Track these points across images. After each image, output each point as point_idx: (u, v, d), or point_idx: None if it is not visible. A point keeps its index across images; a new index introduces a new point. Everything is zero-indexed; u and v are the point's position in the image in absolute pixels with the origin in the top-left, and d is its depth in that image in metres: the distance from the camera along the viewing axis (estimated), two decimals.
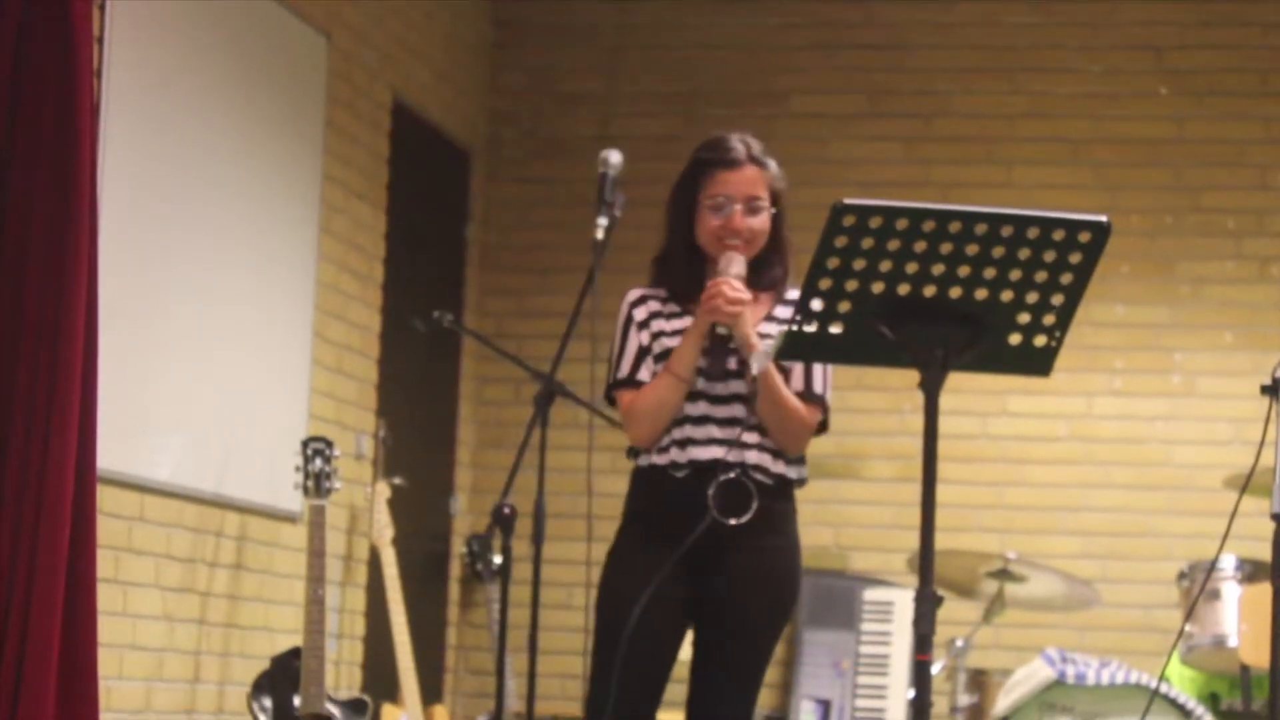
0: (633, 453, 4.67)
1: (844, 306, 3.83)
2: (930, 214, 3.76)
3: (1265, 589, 4.63)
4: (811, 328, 3.86)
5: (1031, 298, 3.83)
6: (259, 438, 6.89)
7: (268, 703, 6.36)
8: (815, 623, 8.38)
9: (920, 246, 3.76)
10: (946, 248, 3.76)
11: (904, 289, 3.80)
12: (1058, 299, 3.84)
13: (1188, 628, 7.04)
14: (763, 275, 4.63)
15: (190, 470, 6.46)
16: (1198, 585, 7.11)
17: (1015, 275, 3.80)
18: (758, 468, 4.58)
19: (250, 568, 6.87)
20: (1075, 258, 3.80)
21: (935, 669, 6.37)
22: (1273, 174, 8.62)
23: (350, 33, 7.61)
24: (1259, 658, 6.76)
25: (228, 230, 6.72)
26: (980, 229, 3.76)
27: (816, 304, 3.83)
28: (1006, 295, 3.82)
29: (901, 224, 3.74)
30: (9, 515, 5.27)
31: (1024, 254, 3.78)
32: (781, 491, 4.62)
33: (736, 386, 4.57)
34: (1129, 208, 8.54)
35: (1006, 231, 3.76)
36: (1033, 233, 3.77)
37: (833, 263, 3.78)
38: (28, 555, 5.26)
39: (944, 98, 8.81)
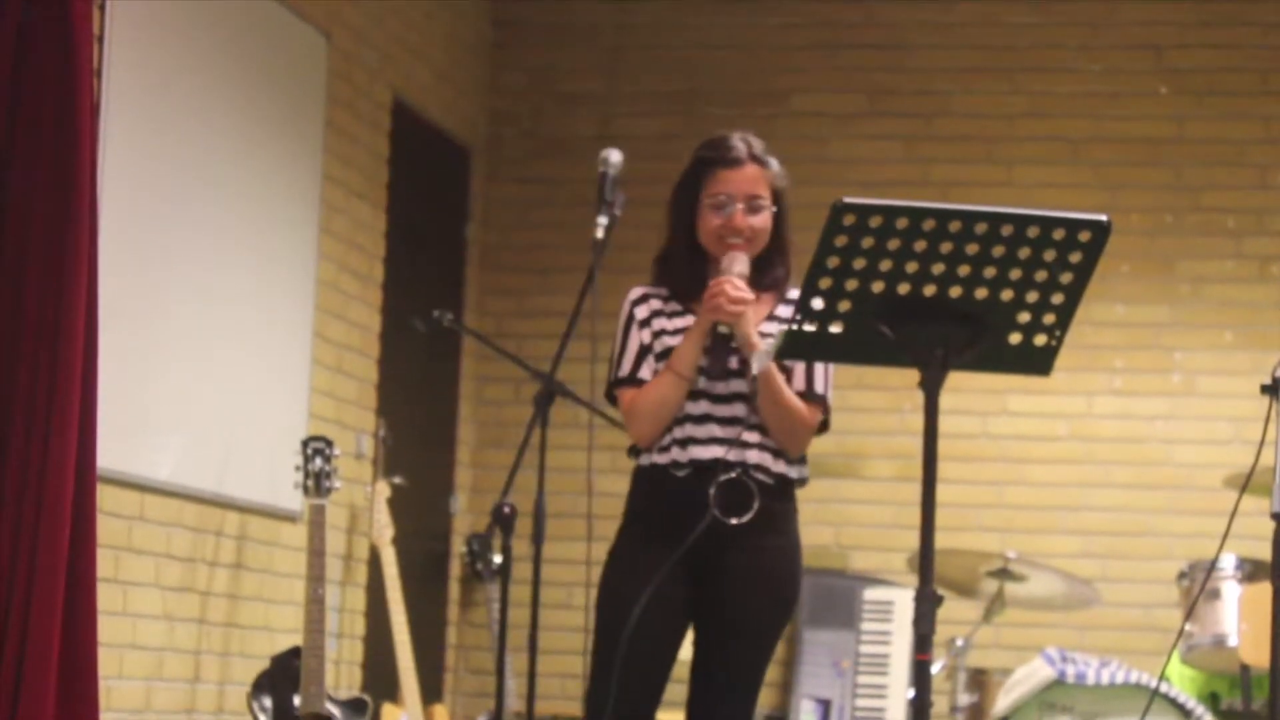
0: (634, 452, 4.67)
1: (844, 306, 3.83)
2: (930, 213, 3.76)
3: (1265, 588, 4.63)
4: (811, 327, 3.86)
5: (1031, 297, 3.83)
6: (259, 437, 6.89)
7: (268, 702, 6.35)
8: (815, 622, 8.38)
9: (920, 246, 3.76)
10: (947, 247, 3.76)
11: (904, 288, 3.80)
12: (1058, 298, 3.84)
13: (1188, 627, 7.04)
14: (765, 275, 4.63)
15: (190, 470, 6.46)
16: (1198, 585, 7.11)
17: (1015, 274, 3.80)
18: (759, 467, 4.58)
19: (250, 567, 6.87)
20: (1075, 257, 3.80)
21: (935, 668, 6.38)
22: (1273, 174, 8.62)
23: (350, 33, 7.61)
24: (1259, 657, 6.76)
25: (228, 230, 6.72)
26: (980, 228, 3.76)
27: (817, 303, 3.83)
28: (1006, 294, 3.82)
29: (902, 223, 3.74)
30: (9, 515, 5.27)
31: (1024, 253, 3.78)
32: (782, 491, 4.62)
33: (738, 386, 4.57)
34: (1129, 207, 8.54)
35: (1006, 231, 3.76)
36: (1033, 232, 3.77)
37: (833, 262, 3.78)
38: (28, 555, 5.26)
39: (944, 98, 8.81)
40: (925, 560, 3.80)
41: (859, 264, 3.78)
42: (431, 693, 8.15)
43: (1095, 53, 8.75)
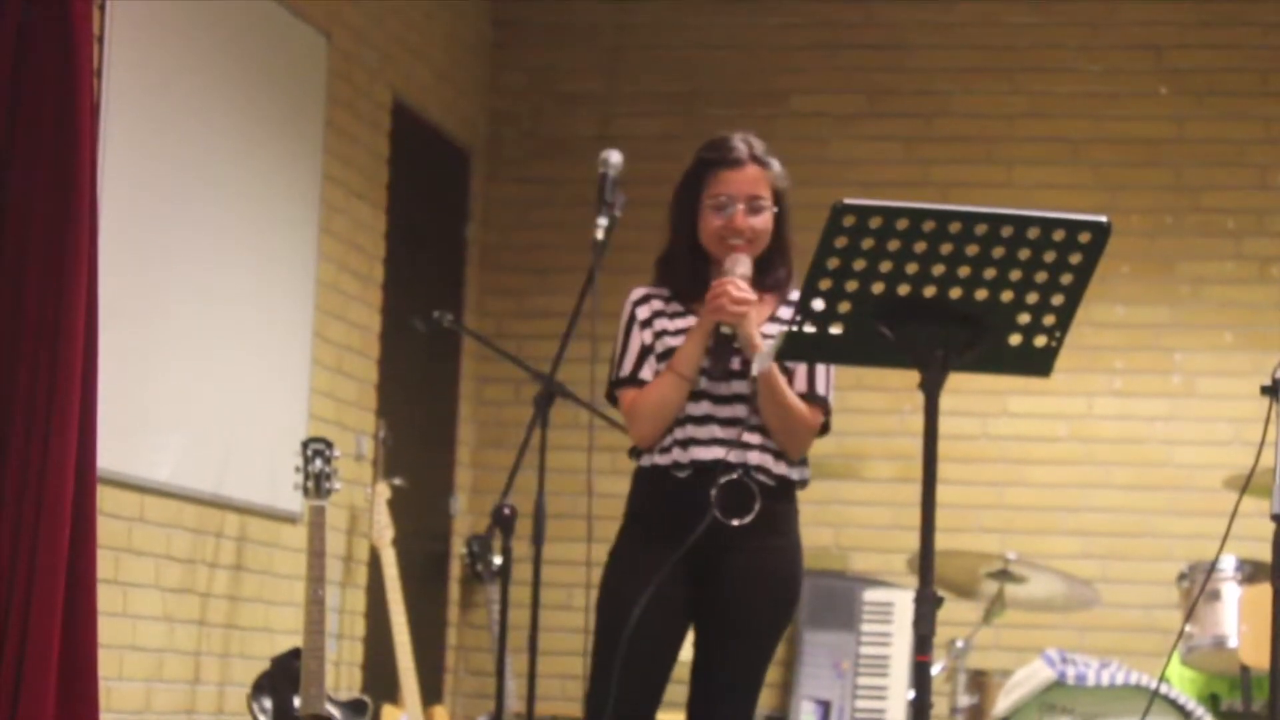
0: (634, 453, 4.67)
1: (844, 307, 3.83)
2: (930, 214, 3.76)
3: (1265, 589, 4.63)
4: (811, 328, 3.86)
5: (1031, 298, 3.83)
6: (259, 438, 6.89)
7: (268, 703, 6.35)
8: (815, 623, 8.38)
9: (920, 247, 3.76)
10: (946, 248, 3.76)
11: (904, 289, 3.80)
12: (1058, 299, 3.84)
13: (1188, 628, 7.03)
14: (766, 276, 4.64)
15: (190, 470, 6.46)
16: (1198, 586, 7.10)
17: (1015, 275, 3.80)
18: (760, 468, 4.57)
19: (250, 568, 6.87)
20: (1075, 258, 3.80)
21: (935, 670, 6.38)
22: (1273, 174, 8.62)
23: (350, 33, 7.61)
24: (1259, 658, 6.76)
25: (228, 230, 6.72)
26: (980, 229, 3.76)
27: (817, 304, 3.83)
28: (1007, 295, 3.82)
29: (901, 224, 3.74)
30: (9, 515, 5.27)
31: (1024, 254, 3.78)
32: (783, 492, 4.62)
33: (739, 387, 4.57)
34: (1129, 208, 8.54)
35: (1006, 232, 3.76)
36: (1033, 233, 3.77)
37: (833, 263, 3.78)
38: (28, 555, 5.25)
39: (944, 98, 8.81)
40: (925, 561, 3.80)
41: (859, 265, 3.77)
42: (431, 694, 8.15)
43: (1095, 53, 8.75)
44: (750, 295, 4.52)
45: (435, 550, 8.58)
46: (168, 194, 6.34)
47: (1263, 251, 8.59)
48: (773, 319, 4.63)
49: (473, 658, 8.76)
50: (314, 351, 7.31)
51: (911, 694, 7.50)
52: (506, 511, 4.83)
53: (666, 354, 4.61)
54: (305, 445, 6.69)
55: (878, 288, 3.80)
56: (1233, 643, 6.98)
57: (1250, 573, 7.09)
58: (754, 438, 4.56)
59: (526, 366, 5.87)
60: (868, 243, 3.75)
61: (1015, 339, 3.89)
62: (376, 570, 7.35)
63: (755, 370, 4.47)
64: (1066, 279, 3.82)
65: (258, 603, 6.91)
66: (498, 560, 7.98)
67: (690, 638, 4.68)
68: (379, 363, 7.89)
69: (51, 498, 5.27)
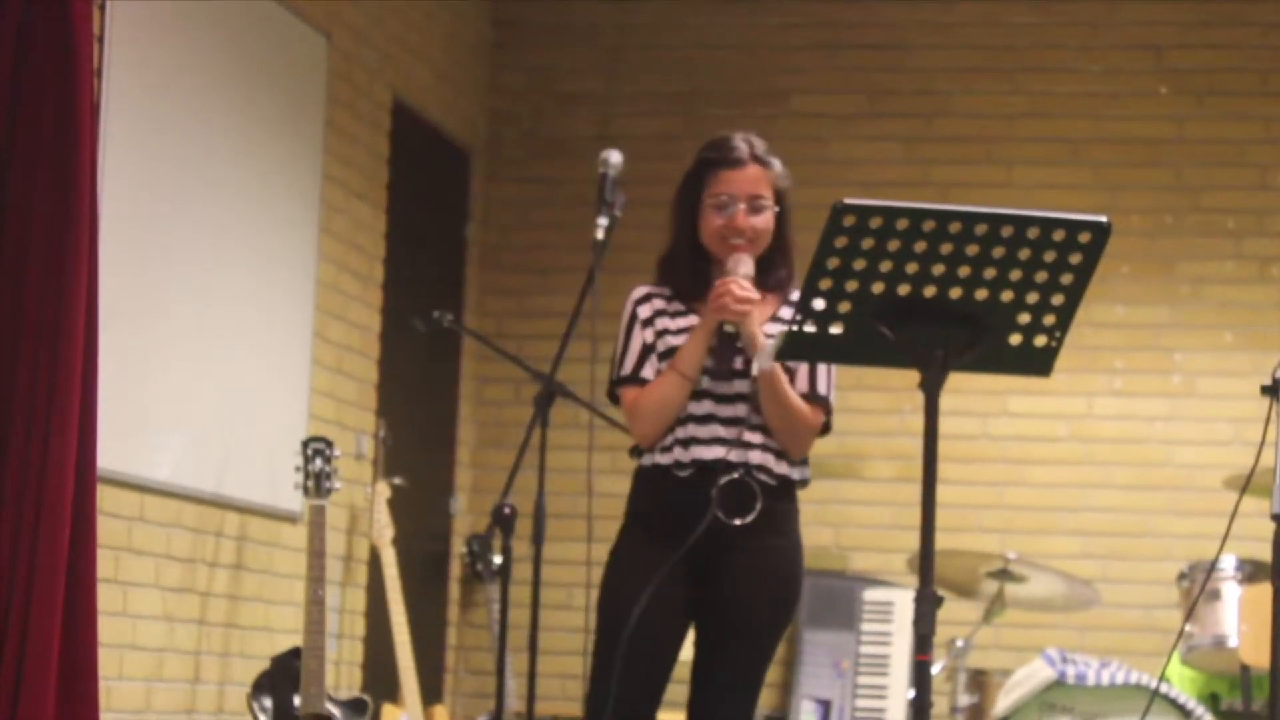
0: (635, 452, 4.67)
1: (844, 307, 3.83)
2: (930, 214, 3.76)
3: (1265, 589, 4.63)
4: (812, 328, 3.86)
5: (1032, 298, 3.83)
6: (259, 438, 6.89)
7: (268, 703, 6.35)
8: (815, 623, 8.38)
9: (920, 247, 3.76)
10: (947, 248, 3.76)
11: (904, 289, 3.80)
12: (1058, 299, 3.84)
13: (1188, 628, 7.04)
14: (768, 275, 4.64)
15: (190, 470, 6.46)
16: (1198, 585, 7.11)
17: (1015, 275, 3.80)
18: (761, 468, 4.58)
19: (250, 568, 6.87)
20: (1075, 258, 3.80)
21: (935, 669, 6.37)
22: (1273, 174, 8.62)
23: (350, 33, 7.61)
24: (1259, 658, 6.76)
25: (228, 230, 6.72)
26: (980, 229, 3.76)
27: (817, 304, 3.83)
28: (1007, 295, 3.82)
29: (902, 224, 3.74)
30: (9, 515, 5.27)
31: (1024, 254, 3.78)
32: (784, 492, 4.62)
33: (741, 386, 4.57)
34: (1129, 208, 8.54)
35: (1006, 232, 3.76)
36: (1033, 233, 3.77)
37: (833, 263, 3.78)
38: (28, 555, 5.25)
39: (944, 98, 8.81)
40: (925, 561, 3.80)
41: (859, 265, 3.78)
42: (431, 693, 8.15)
43: (1095, 53, 8.75)
44: (754, 294, 4.53)
45: (435, 550, 8.58)
46: (168, 194, 6.34)
47: (1263, 251, 8.59)
48: (774, 319, 4.63)
49: (473, 657, 8.76)
50: (314, 351, 7.31)
51: (911, 693, 7.50)
52: (506, 511, 4.83)
53: (668, 353, 4.61)
54: (305, 445, 6.69)
55: (878, 287, 3.80)
56: (1233, 642, 6.99)
57: (1250, 572, 7.09)
58: (755, 437, 4.56)
59: (526, 366, 5.87)
60: (868, 242, 3.75)
61: (1015, 339, 3.89)
62: (376, 570, 7.35)
63: (757, 369, 4.48)
64: (1067, 279, 3.82)
65: (258, 602, 6.91)
66: (498, 560, 7.98)
67: (691, 637, 4.68)
68: (379, 363, 7.89)
69: (51, 497, 5.27)
